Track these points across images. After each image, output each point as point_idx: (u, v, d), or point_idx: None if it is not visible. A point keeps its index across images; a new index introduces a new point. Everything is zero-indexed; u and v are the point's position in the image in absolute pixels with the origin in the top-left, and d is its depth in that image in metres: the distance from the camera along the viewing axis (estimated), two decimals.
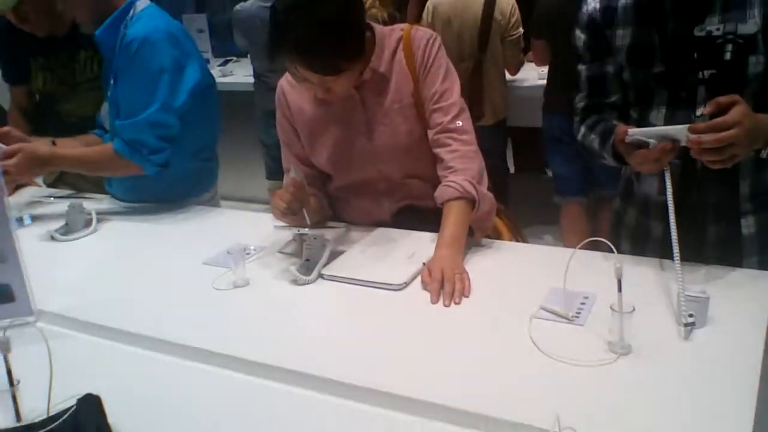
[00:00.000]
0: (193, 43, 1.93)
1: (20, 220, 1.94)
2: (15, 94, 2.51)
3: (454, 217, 1.47)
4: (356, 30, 1.46)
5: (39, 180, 2.44)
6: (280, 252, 1.55)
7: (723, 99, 1.20)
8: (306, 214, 1.50)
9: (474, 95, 3.37)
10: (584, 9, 1.50)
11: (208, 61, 4.51)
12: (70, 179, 2.39)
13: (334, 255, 1.50)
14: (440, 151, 1.57)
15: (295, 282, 1.41)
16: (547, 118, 3.29)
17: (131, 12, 1.87)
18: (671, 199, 1.28)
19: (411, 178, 1.68)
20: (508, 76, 3.57)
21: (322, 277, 1.43)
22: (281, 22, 1.40)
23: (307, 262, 1.46)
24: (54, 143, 2.02)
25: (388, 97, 1.61)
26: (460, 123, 1.57)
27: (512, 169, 4.49)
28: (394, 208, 1.71)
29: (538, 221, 3.93)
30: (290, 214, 1.49)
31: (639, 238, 1.59)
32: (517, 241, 1.79)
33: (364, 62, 1.56)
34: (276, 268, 1.49)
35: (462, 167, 1.52)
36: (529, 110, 3.55)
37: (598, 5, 1.47)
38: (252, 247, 1.57)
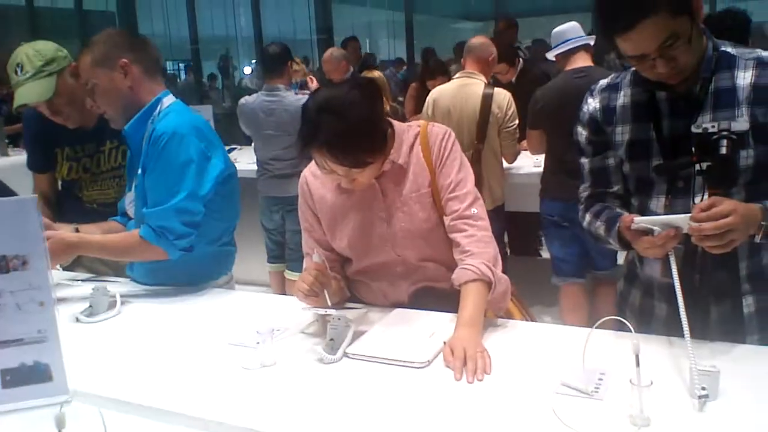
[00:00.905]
0: (216, 136, 2.06)
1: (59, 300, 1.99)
2: (39, 181, 2.61)
3: (472, 298, 1.55)
4: (380, 128, 1.60)
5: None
6: (304, 332, 1.61)
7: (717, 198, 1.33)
8: (327, 296, 1.58)
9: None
10: (585, 108, 1.65)
11: None
12: (87, 262, 2.46)
13: (357, 335, 1.57)
14: (457, 236, 1.67)
15: (321, 361, 1.47)
16: (545, 203, 3.43)
17: (158, 108, 2.01)
18: (677, 280, 1.37)
19: (427, 261, 1.77)
20: (505, 164, 3.74)
21: (347, 356, 1.49)
22: (313, 120, 1.53)
23: (332, 341, 1.52)
24: (77, 230, 2.10)
25: (406, 187, 1.72)
26: (475, 210, 1.68)
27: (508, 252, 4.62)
28: (411, 290, 1.80)
29: (537, 302, 4.00)
30: (312, 295, 1.57)
31: (644, 317, 1.67)
32: (527, 320, 1.87)
33: (385, 155, 1.68)
34: (301, 347, 1.55)
35: (478, 251, 1.62)
36: (525, 196, 3.71)
37: (598, 105, 1.62)
38: (276, 328, 1.64)
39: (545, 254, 4.19)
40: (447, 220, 1.70)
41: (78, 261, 2.50)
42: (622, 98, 1.60)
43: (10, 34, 11.12)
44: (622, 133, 1.59)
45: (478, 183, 3.52)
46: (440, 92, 3.66)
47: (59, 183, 2.60)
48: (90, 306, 1.89)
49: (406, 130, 1.75)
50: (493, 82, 4.84)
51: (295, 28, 9.80)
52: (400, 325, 1.65)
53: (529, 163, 3.84)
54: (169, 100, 2.05)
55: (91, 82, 1.98)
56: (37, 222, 1.32)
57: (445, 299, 1.67)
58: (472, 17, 11.42)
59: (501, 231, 3.79)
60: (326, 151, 1.53)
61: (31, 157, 2.57)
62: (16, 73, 2.23)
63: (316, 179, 1.78)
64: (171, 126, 1.92)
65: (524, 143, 3.72)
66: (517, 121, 3.57)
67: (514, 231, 4.63)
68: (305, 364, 1.48)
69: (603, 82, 1.66)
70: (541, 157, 3.51)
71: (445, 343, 1.48)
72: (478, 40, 3.68)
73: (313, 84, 4.90)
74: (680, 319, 1.32)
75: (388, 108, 4.45)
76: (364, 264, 1.80)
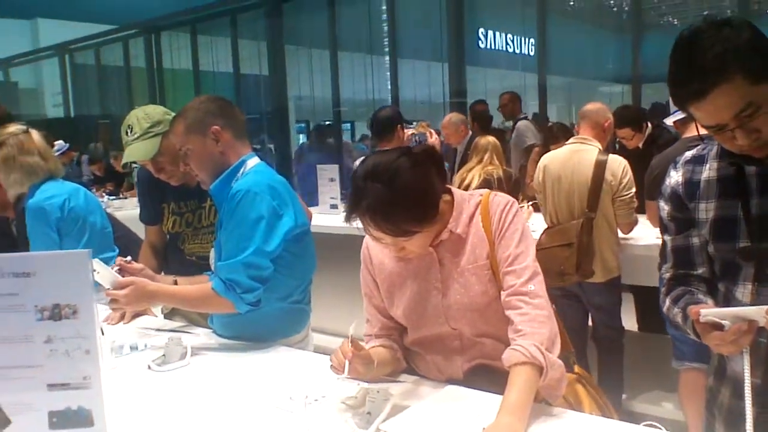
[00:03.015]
0: (292, 195, 2.11)
1: (135, 347, 2.11)
2: (149, 232, 2.80)
3: (519, 383, 1.44)
4: (427, 198, 1.55)
5: (156, 310, 2.66)
6: (343, 402, 1.56)
7: None
8: (347, 366, 1.54)
9: (584, 253, 3.32)
10: (667, 181, 1.51)
11: (336, 206, 4.81)
12: (183, 311, 2.58)
13: (397, 410, 1.49)
14: (511, 314, 1.57)
15: None
16: None
17: (242, 169, 2.10)
18: (748, 382, 1.19)
19: (484, 337, 1.67)
20: (621, 234, 3.51)
21: None
22: (359, 187, 1.52)
23: (368, 415, 1.46)
24: (175, 282, 2.21)
25: (464, 258, 1.65)
26: (532, 287, 1.57)
27: (635, 328, 4.30)
28: (467, 367, 1.70)
29: (658, 386, 3.67)
30: (339, 368, 1.55)
31: (732, 418, 1.46)
32: (601, 412, 1.69)
33: (440, 224, 1.63)
34: (338, 418, 1.51)
35: (531, 331, 1.51)
36: (647, 269, 3.43)
37: (680, 178, 1.47)
38: (317, 395, 1.60)
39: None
40: (503, 295, 1.60)
41: (176, 310, 2.64)
42: (708, 172, 1.44)
43: (180, 95, 12.34)
44: (706, 210, 1.43)
45: (589, 254, 3.38)
46: (551, 158, 3.53)
47: (167, 236, 2.78)
48: (163, 355, 1.97)
49: (467, 199, 1.69)
50: (619, 148, 4.65)
51: (430, 92, 10.01)
52: (446, 404, 1.55)
53: (651, 233, 3.57)
54: (253, 161, 2.14)
55: (184, 147, 2.10)
56: (88, 274, 1.39)
57: (503, 379, 1.55)
58: (621, 79, 11.10)
59: (615, 305, 3.53)
60: (369, 219, 1.51)
61: (142, 210, 2.76)
62: (126, 133, 2.43)
63: (377, 244, 1.76)
64: (247, 184, 2.00)
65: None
66: (633, 190, 3.35)
67: (643, 305, 4.32)
68: None
69: (688, 153, 1.51)
70: None
71: (484, 429, 1.37)
72: (593, 106, 3.53)
73: (432, 138, 4.91)
74: None
75: (500, 172, 4.36)
76: (419, 335, 1.73)
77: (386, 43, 9.16)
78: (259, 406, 1.61)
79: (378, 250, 1.76)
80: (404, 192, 1.49)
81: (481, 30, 12.98)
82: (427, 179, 1.55)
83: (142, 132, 2.41)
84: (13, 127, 2.82)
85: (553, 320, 1.56)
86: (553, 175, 3.44)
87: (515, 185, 4.41)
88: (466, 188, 4.24)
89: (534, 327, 1.51)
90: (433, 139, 4.79)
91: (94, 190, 7.72)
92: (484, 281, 1.64)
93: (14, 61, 14.90)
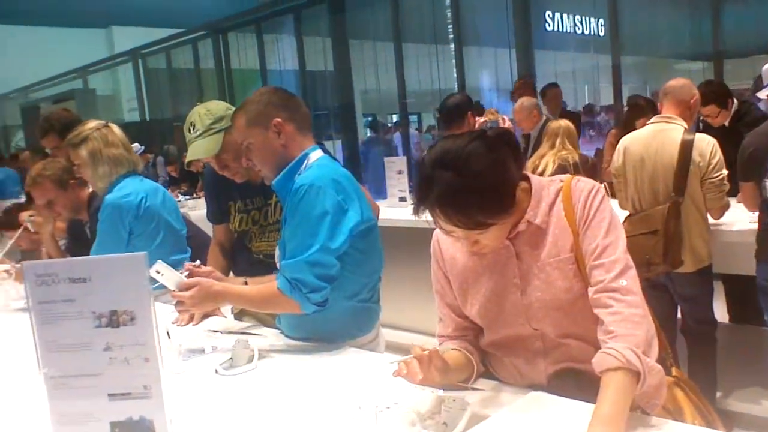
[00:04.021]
0: (357, 189, 2.00)
1: (202, 351, 2.06)
2: (217, 232, 2.76)
3: (613, 391, 1.28)
4: (503, 186, 1.40)
5: (226, 311, 2.62)
6: (416, 412, 1.45)
7: None
8: (417, 368, 1.38)
9: (671, 240, 3.09)
10: None
11: (404, 198, 4.71)
12: (252, 311, 2.53)
13: (476, 420, 1.37)
14: (601, 313, 1.41)
15: None
16: (761, 267, 2.89)
17: (305, 163, 2.01)
18: None
19: (570, 337, 1.52)
20: (711, 219, 3.25)
21: None
22: (427, 176, 1.39)
23: (444, 426, 1.34)
24: (245, 283, 2.15)
25: (545, 251, 1.50)
26: (624, 282, 1.40)
27: (727, 320, 4.02)
28: (551, 370, 1.55)
29: (756, 383, 3.39)
30: (405, 374, 1.40)
31: None
32: (704, 420, 1.51)
33: (517, 214, 1.48)
34: (410, 429, 1.39)
35: (625, 333, 1.34)
36: (740, 257, 3.17)
37: None
38: (386, 405, 1.49)
39: None
40: (590, 291, 1.44)
41: (245, 310, 2.59)
42: None
43: (249, 94, 12.49)
44: None
45: (677, 241, 3.14)
46: (632, 139, 3.29)
47: (234, 234, 2.73)
48: (231, 358, 1.91)
49: (546, 186, 1.54)
50: (703, 127, 4.34)
51: (498, 79, 9.75)
52: (529, 413, 1.41)
53: (744, 218, 3.29)
54: (316, 155, 2.04)
55: (246, 141, 2.03)
56: (145, 278, 1.33)
57: (592, 385, 1.39)
58: (700, 56, 10.53)
59: (707, 296, 3.28)
60: (438, 210, 1.38)
61: (209, 209, 2.73)
62: (189, 131, 2.38)
63: (448, 238, 1.63)
64: (309, 179, 1.91)
65: (739, 196, 3.21)
66: (724, 171, 3.08)
67: (735, 296, 4.04)
68: None
69: None
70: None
71: None
72: (677, 82, 3.27)
73: (505, 124, 4.72)
74: None
75: (576, 157, 4.14)
76: (497, 336, 1.59)
77: (451, 31, 8.96)
78: (327, 415, 1.52)
79: (449, 244, 1.63)
80: (477, 180, 1.36)
81: (548, 13, 12.58)
82: (503, 165, 1.41)
83: (205, 129, 2.36)
84: (94, 122, 2.85)
85: (648, 319, 1.39)
86: (634, 158, 3.21)
87: (591, 170, 4.17)
88: (540, 175, 4.04)
89: (628, 328, 1.35)
90: (506, 126, 4.58)
91: (169, 190, 7.90)
92: (568, 276, 1.48)
93: (91, 69, 15.46)
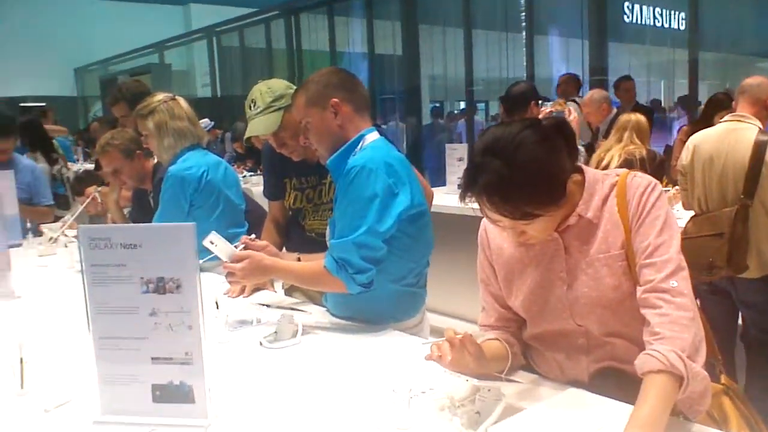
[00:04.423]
0: (410, 173, 1.99)
1: (249, 323, 2.11)
2: (272, 208, 2.80)
3: (653, 394, 1.24)
4: (552, 177, 1.37)
5: (277, 286, 2.67)
6: (450, 399, 1.44)
7: None
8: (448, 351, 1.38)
9: (737, 244, 2.96)
10: None
11: (460, 185, 4.66)
12: (303, 288, 2.56)
13: (510, 411, 1.35)
14: (648, 313, 1.36)
15: None
16: None
17: (360, 144, 2.01)
18: None
19: (615, 336, 1.48)
20: None
21: None
22: (476, 162, 1.37)
23: (477, 415, 1.33)
24: (298, 259, 2.18)
25: (594, 246, 1.46)
26: (674, 283, 1.35)
27: None
28: (593, 368, 1.51)
29: None
30: (437, 358, 1.39)
31: None
32: (750, 431, 1.45)
33: (568, 207, 1.45)
34: (443, 415, 1.38)
35: (671, 335, 1.29)
36: None
37: None
38: (421, 390, 1.49)
39: None
40: (639, 291, 1.39)
41: (295, 286, 2.63)
42: None
43: None
44: None
45: (743, 246, 3.00)
46: (703, 137, 3.16)
47: (289, 212, 2.76)
48: (275, 332, 1.95)
49: (600, 180, 1.49)
50: None
51: (568, 70, 9.50)
52: (566, 410, 1.38)
53: None
54: (372, 136, 2.04)
55: (304, 120, 2.05)
56: (192, 248, 1.36)
57: (634, 386, 1.35)
58: None
59: None
60: (485, 199, 1.36)
61: (266, 185, 2.77)
62: (250, 108, 2.42)
63: (496, 228, 1.60)
64: (362, 160, 1.91)
65: None
66: None
67: None
68: None
69: None
70: None
71: None
72: (754, 80, 3.11)
73: (570, 116, 4.61)
74: None
75: (643, 152, 4.00)
76: (540, 329, 1.57)
77: (523, 18, 8.78)
78: (361, 395, 1.52)
79: (497, 234, 1.61)
80: (526, 170, 1.33)
81: (627, 4, 12.19)
82: (554, 156, 1.37)
83: (265, 106, 2.38)
84: (161, 95, 2.93)
85: (698, 323, 1.33)
86: (703, 156, 3.08)
87: (659, 167, 4.02)
88: (605, 169, 3.92)
89: (675, 330, 1.30)
90: (572, 118, 4.47)
91: (235, 166, 8.07)
92: (617, 274, 1.44)
93: (168, 44, 15.89)
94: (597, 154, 4.31)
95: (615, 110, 5.15)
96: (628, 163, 4.01)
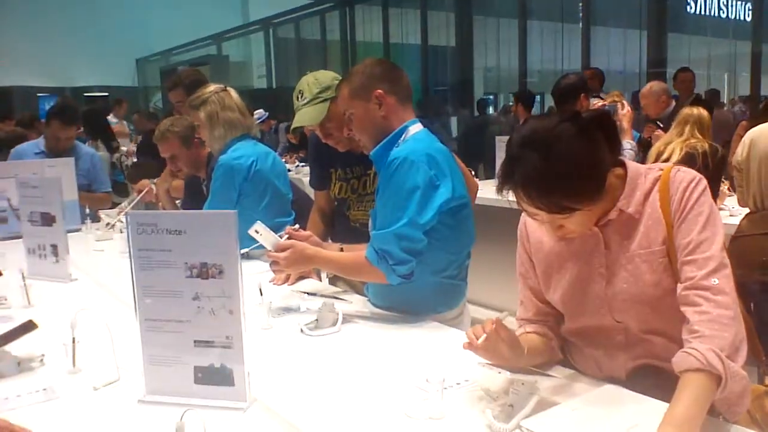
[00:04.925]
0: (453, 165, 1.99)
1: (292, 310, 2.16)
2: (318, 198, 2.85)
3: (689, 393, 1.22)
4: (590, 171, 1.35)
5: (324, 274, 2.71)
6: (486, 389, 1.44)
7: None
8: (482, 338, 1.41)
9: None
10: None
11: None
12: (346, 277, 2.60)
13: (543, 405, 1.35)
14: (687, 311, 1.33)
15: (490, 428, 1.29)
16: None
17: (404, 135, 2.02)
18: None
19: (654, 334, 1.46)
20: None
21: (520, 429, 1.29)
22: (513, 155, 1.37)
23: (510, 408, 1.33)
24: (341, 249, 2.22)
25: (635, 242, 1.44)
26: (716, 281, 1.32)
27: None
28: (630, 365, 1.50)
29: None
30: (475, 347, 1.42)
31: None
32: None
33: (609, 201, 1.43)
34: (476, 406, 1.39)
35: (710, 334, 1.27)
36: None
37: None
38: (456, 381, 1.50)
39: None
40: (679, 288, 1.36)
41: (339, 276, 2.67)
42: None
43: None
44: None
45: None
46: (761, 131, 3.06)
47: (334, 202, 2.80)
48: (316, 320, 1.98)
49: (644, 174, 1.47)
50: None
51: (626, 61, 9.27)
52: (601, 406, 1.37)
53: None
54: (415, 128, 2.05)
55: (348, 111, 2.07)
56: (234, 235, 1.40)
57: (673, 384, 1.33)
58: None
59: None
60: (522, 192, 1.35)
61: (312, 175, 2.81)
62: (297, 98, 2.46)
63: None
64: (404, 152, 1.92)
65: None
66: None
67: None
68: (475, 425, 1.32)
69: None
70: None
71: None
72: None
73: (623, 109, 4.50)
74: None
75: (705, 146, 3.87)
76: (578, 324, 1.55)
77: (580, 9, 8.60)
78: (396, 383, 1.54)
79: (536, 227, 1.60)
80: (564, 163, 1.32)
81: None
82: (593, 149, 1.36)
83: (312, 97, 2.42)
84: (213, 86, 3.01)
85: (739, 323, 1.30)
86: (760, 152, 2.99)
87: (721, 162, 3.88)
88: (664, 162, 3.81)
89: (714, 329, 1.27)
90: (625, 111, 4.35)
91: (288, 156, 8.19)
92: (657, 270, 1.42)
93: (226, 36, 16.20)
94: (656, 147, 4.19)
95: (674, 102, 5.01)
96: (689, 157, 3.89)
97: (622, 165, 1.47)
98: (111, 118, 9.46)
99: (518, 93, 6.96)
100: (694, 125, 4.02)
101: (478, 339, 1.38)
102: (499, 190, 1.40)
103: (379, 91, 2.02)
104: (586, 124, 1.36)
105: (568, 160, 1.32)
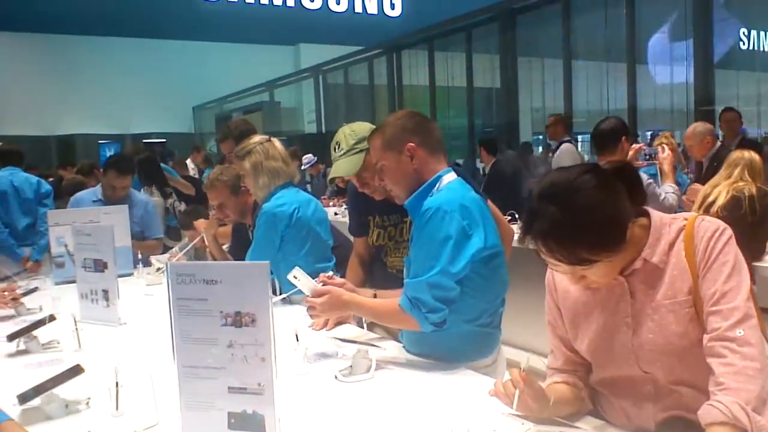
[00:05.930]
0: (485, 215, 2.03)
1: (327, 356, 2.20)
2: (357, 244, 2.91)
3: None
4: (610, 223, 1.37)
5: (364, 320, 2.75)
6: None
7: None
8: (516, 398, 1.44)
9: None
10: None
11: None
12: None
13: None
14: (713, 362, 1.33)
15: None
16: None
17: (437, 185, 2.07)
18: None
19: (682, 385, 1.45)
20: None
21: None
22: (533, 208, 1.40)
23: None
24: (375, 295, 2.27)
25: (660, 292, 1.44)
26: (741, 332, 1.32)
27: None
28: (660, 417, 1.48)
29: None
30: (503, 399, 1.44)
31: None
32: None
33: (633, 251, 1.45)
34: None
35: (735, 386, 1.26)
36: None
37: None
38: (482, 430, 1.51)
39: None
40: (705, 339, 1.36)
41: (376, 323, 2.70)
42: None
43: (417, 110, 12.82)
44: None
45: None
46: None
47: (372, 248, 2.85)
48: (350, 366, 2.02)
49: (668, 224, 1.48)
50: None
51: (673, 99, 9.15)
52: None
53: None
54: (448, 177, 2.10)
55: (380, 163, 2.14)
56: (266, 285, 1.47)
57: None
58: None
59: None
60: (541, 244, 1.38)
61: (351, 222, 2.88)
62: (334, 150, 2.54)
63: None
64: (437, 202, 1.97)
65: None
66: None
67: None
68: None
69: None
70: None
71: None
72: None
73: (664, 153, 4.46)
74: None
75: (752, 190, 3.77)
76: (606, 374, 1.55)
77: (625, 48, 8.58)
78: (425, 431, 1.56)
79: (563, 277, 1.61)
80: (582, 216, 1.34)
81: (743, 30, 11.64)
82: (614, 201, 1.38)
83: (348, 148, 2.50)
84: (257, 137, 3.14)
85: (766, 375, 1.29)
86: None
87: None
88: (710, 206, 3.75)
89: (740, 381, 1.26)
90: (666, 155, 4.32)
91: (335, 200, 8.32)
92: (683, 321, 1.41)
93: (278, 83, 16.70)
94: (703, 190, 4.12)
95: (719, 143, 4.93)
96: (735, 201, 3.82)
97: (646, 214, 1.48)
98: (189, 162, 9.83)
99: (481, 139, 7.72)
100: (744, 168, 3.94)
101: (507, 394, 1.40)
102: (522, 240, 1.43)
103: (412, 144, 2.08)
104: (606, 176, 1.39)
105: (587, 213, 1.34)
